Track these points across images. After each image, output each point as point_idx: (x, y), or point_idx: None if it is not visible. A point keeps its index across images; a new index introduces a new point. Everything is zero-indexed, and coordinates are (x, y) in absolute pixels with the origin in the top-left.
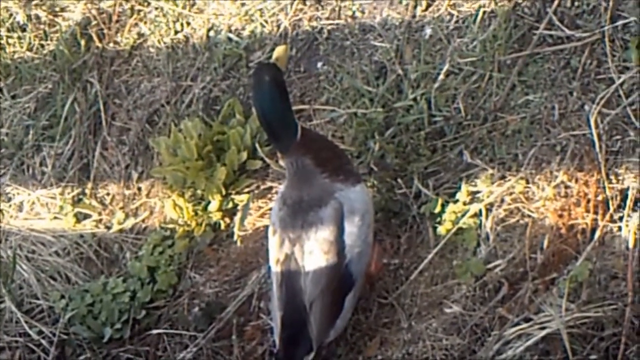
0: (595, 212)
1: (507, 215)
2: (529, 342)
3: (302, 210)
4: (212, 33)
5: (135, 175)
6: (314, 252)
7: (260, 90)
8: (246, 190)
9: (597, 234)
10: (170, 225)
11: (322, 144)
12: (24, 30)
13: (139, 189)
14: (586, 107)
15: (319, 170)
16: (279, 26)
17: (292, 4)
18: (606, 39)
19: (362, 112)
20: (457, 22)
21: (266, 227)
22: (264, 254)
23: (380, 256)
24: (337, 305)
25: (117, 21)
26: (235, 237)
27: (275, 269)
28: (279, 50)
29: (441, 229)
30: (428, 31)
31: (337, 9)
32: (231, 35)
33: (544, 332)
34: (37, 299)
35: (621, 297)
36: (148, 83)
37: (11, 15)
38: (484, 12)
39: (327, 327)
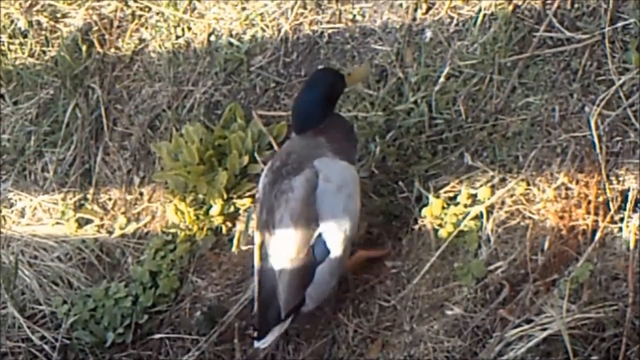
0: (596, 214)
1: (508, 217)
2: (531, 344)
3: (280, 177)
4: (213, 38)
5: (137, 180)
6: (283, 220)
7: (308, 84)
8: (248, 194)
9: (598, 235)
10: (172, 230)
11: (342, 131)
12: (25, 36)
13: (141, 193)
14: (586, 109)
15: (327, 144)
16: (279, 30)
17: (292, 8)
18: (606, 41)
19: (363, 115)
20: (457, 24)
21: None
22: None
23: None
24: (306, 275)
25: (118, 27)
26: (234, 249)
27: (255, 235)
28: (360, 70)
29: (442, 232)
30: (428, 34)
31: (337, 12)
32: (232, 40)
33: (545, 334)
34: (40, 304)
35: (622, 297)
36: (149, 88)
37: (12, 21)
38: (484, 15)
39: (294, 296)
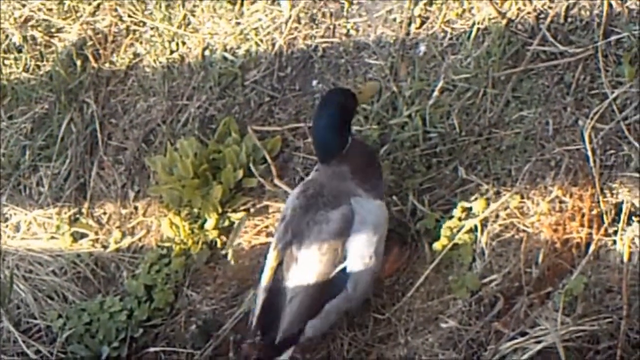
0: (590, 226)
1: (502, 231)
2: (525, 356)
3: (315, 205)
4: (207, 52)
5: (131, 195)
6: (311, 249)
7: (322, 108)
8: (242, 208)
9: (592, 248)
10: (167, 244)
11: (364, 158)
12: (20, 51)
13: (136, 208)
14: (580, 122)
15: (351, 175)
16: (274, 45)
17: (286, 23)
18: (599, 54)
19: (357, 129)
20: (451, 39)
21: (262, 244)
22: (261, 272)
23: (395, 260)
24: (316, 306)
25: (112, 41)
26: (229, 257)
27: (272, 253)
28: (370, 87)
29: (437, 245)
30: (422, 48)
31: (331, 27)
32: (226, 55)
33: (539, 346)
34: (35, 318)
35: (616, 310)
36: (144, 102)
37: (7, 36)
38: (478, 29)
39: (298, 323)
